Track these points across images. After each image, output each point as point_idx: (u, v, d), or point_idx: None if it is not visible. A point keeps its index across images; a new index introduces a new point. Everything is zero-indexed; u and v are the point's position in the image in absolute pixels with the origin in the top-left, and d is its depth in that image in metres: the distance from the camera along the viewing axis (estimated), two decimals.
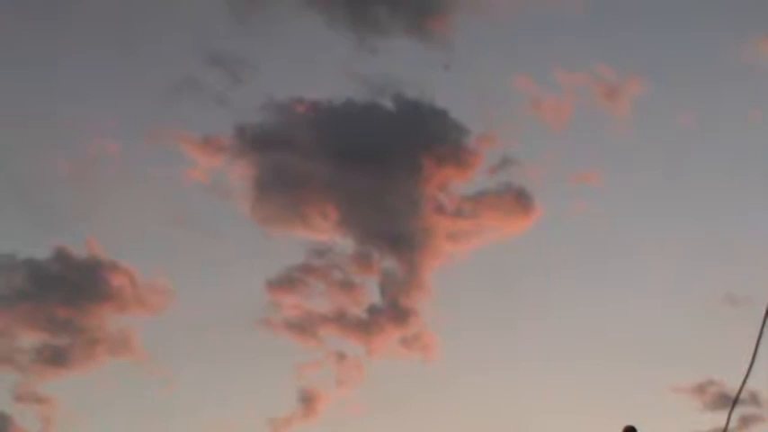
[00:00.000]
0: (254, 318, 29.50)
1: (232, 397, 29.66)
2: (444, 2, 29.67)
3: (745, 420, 20.00)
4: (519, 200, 29.48)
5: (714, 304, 29.26)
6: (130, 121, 33.21)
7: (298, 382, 30.40)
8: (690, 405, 27.58)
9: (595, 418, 25.98)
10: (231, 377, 30.07)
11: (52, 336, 28.81)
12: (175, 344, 30.27)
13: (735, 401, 8.36)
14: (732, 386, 19.20)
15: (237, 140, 30.17)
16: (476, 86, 31.66)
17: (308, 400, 28.89)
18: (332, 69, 34.08)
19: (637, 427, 14.03)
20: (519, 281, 30.51)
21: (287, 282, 29.44)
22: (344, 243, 30.90)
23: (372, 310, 29.28)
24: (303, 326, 29.40)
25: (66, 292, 29.16)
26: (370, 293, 29.56)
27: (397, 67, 32.16)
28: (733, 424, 8.52)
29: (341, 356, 29.12)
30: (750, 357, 7.86)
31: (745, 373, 7.88)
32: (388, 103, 29.80)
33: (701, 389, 27.28)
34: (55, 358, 28.62)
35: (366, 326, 29.45)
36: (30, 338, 28.57)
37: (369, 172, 30.59)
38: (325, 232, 30.03)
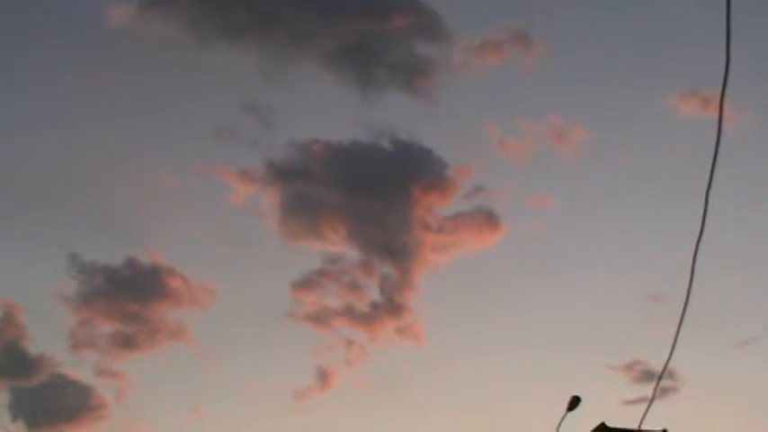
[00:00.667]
0: (281, 312, 33.84)
1: (264, 373, 33.84)
2: (429, 65, 33.70)
3: (664, 390, 21.90)
4: (489, 220, 33.68)
5: (640, 301, 34.23)
6: (184, 159, 38.27)
7: (315, 362, 35.19)
8: (621, 379, 31.79)
9: (549, 389, 30.02)
10: (263, 358, 34.39)
11: (124, 325, 32.99)
12: (219, 332, 34.62)
13: (660, 377, 9.57)
14: (653, 365, 20.48)
15: (268, 173, 34.45)
16: (454, 131, 36.65)
17: (323, 377, 33.18)
18: (342, 117, 39.46)
19: (581, 395, 17.30)
20: (489, 284, 34.98)
21: (307, 284, 33.55)
22: (352, 253, 35.19)
23: (374, 306, 33.21)
24: (319, 318, 33.46)
25: (135, 292, 32.99)
26: (372, 293, 33.53)
27: (393, 115, 37.52)
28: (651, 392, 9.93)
29: (349, 342, 33.14)
30: (671, 343, 8.91)
31: (666, 356, 8.97)
32: (385, 144, 33.92)
33: (629, 367, 31.36)
34: (126, 343, 32.71)
35: (369, 318, 33.35)
36: (107, 327, 32.71)
37: (370, 197, 34.41)
38: (336, 244, 34.06)
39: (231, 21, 34.50)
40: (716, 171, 7.50)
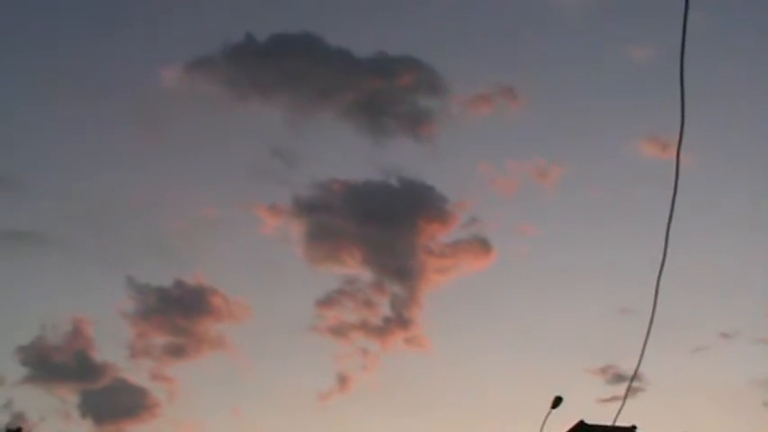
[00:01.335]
0: (306, 325, 34.61)
1: (292, 378, 34.19)
2: (430, 115, 34.99)
3: (633, 390, 21.81)
4: (482, 246, 34.36)
5: (611, 314, 35.49)
6: (223, 195, 40.38)
7: (335, 368, 35.96)
8: (596, 381, 33.29)
9: (535, 390, 30.89)
10: (291, 365, 34.51)
11: (174, 337, 33.68)
12: (254, 343, 36.69)
13: (632, 378, 9.17)
14: (624, 368, 22.56)
15: (294, 207, 35.40)
16: (452, 170, 38.56)
17: (342, 381, 33.59)
18: (356, 160, 40.14)
19: (562, 395, 17.53)
20: (484, 300, 36.00)
21: (328, 301, 34.07)
22: (366, 275, 37.17)
23: (385, 320, 33.72)
24: (339, 331, 34.06)
25: (182, 309, 33.57)
26: (384, 309, 34.13)
27: (400, 158, 39.37)
28: (623, 392, 9.54)
29: (364, 351, 33.59)
30: (639, 349, 8.58)
31: (635, 361, 8.55)
32: (394, 182, 34.66)
33: (603, 370, 32.09)
34: (176, 352, 33.40)
35: (381, 330, 33.79)
36: (159, 339, 33.61)
37: (381, 227, 34.88)
38: (352, 268, 34.69)
39: (262, 79, 35.51)
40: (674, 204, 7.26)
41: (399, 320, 33.40)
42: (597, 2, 37.26)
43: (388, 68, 35.01)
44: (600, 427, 20.80)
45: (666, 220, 7.42)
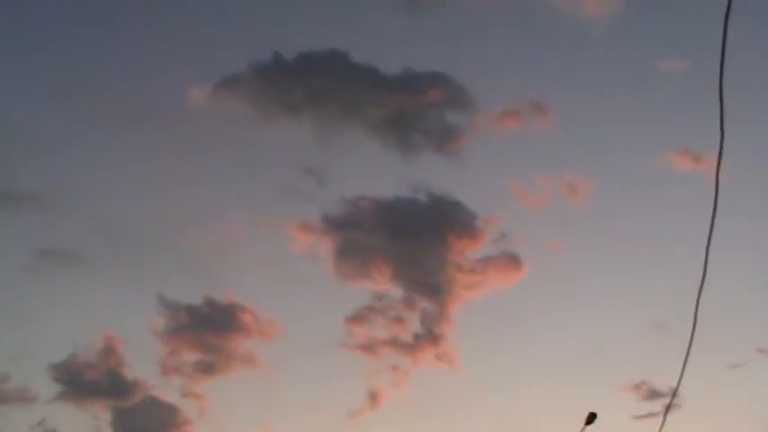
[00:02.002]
0: (336, 342, 34.28)
1: (322, 395, 34.01)
2: (458, 131, 34.53)
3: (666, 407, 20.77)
4: (512, 262, 33.99)
5: (644, 330, 33.73)
6: (253, 213, 38.16)
7: (366, 384, 34.57)
8: (630, 398, 31.60)
9: (570, 406, 28.99)
10: (321, 381, 34.40)
11: (204, 354, 33.60)
12: (284, 360, 34.77)
13: (674, 395, 9.13)
14: (658, 385, 20.89)
15: (323, 224, 34.99)
16: (481, 186, 36.81)
17: (373, 397, 33.18)
18: (385, 176, 38.49)
19: (597, 411, 15.12)
20: (514, 316, 34.80)
21: (358, 317, 33.80)
22: (396, 291, 35.16)
23: (416, 336, 33.41)
24: (369, 347, 33.67)
25: (213, 326, 33.70)
26: (414, 325, 33.59)
27: (429, 174, 37.09)
28: (658, 409, 10.41)
29: (395, 367, 33.23)
30: (672, 365, 8.76)
31: (667, 377, 9.79)
32: (422, 198, 34.33)
33: (637, 387, 31.16)
34: (206, 369, 33.28)
35: (411, 347, 33.44)
36: (190, 356, 33.40)
37: (411, 243, 34.55)
38: (382, 284, 34.31)
39: (290, 97, 35.34)
40: (714, 224, 7.29)
41: (429, 336, 33.12)
42: (627, 14, 35.48)
43: (416, 84, 35.00)
44: None
45: (703, 235, 7.37)
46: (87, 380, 32.19)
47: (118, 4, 38.82)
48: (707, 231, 7.47)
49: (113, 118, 37.86)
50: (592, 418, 16.05)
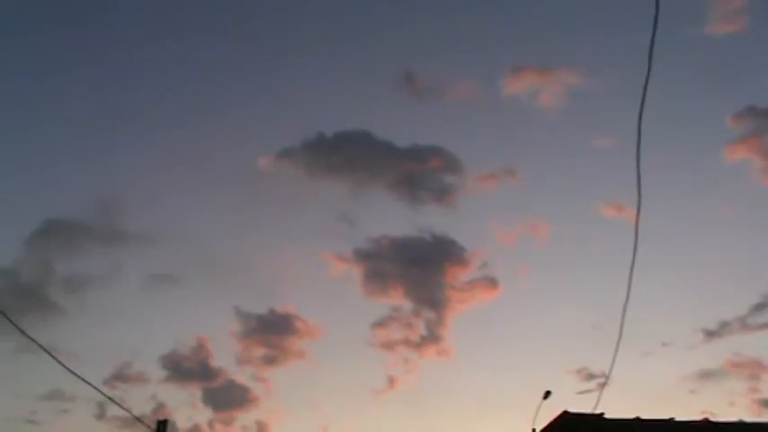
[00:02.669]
0: (364, 342, 40.41)
1: (353, 380, 40.78)
2: (453, 188, 40.48)
3: (600, 385, 19.67)
4: (491, 283, 39.64)
5: (586, 329, 38.66)
6: (304, 247, 45.60)
7: (386, 372, 40.93)
8: (574, 379, 36.01)
9: (532, 386, 32.85)
10: (353, 371, 40.92)
11: (268, 350, 39.37)
12: (326, 355, 41.01)
13: (608, 377, 10.65)
14: (594, 369, 29.65)
15: (355, 256, 41.02)
16: (470, 228, 44.00)
17: (391, 381, 39.04)
18: (399, 221, 46.32)
19: (551, 389, 19.59)
20: (494, 322, 41.05)
21: (381, 323, 39.78)
22: (407, 305, 41.47)
23: (422, 338, 39.11)
24: (388, 345, 39.53)
25: (274, 330, 39.16)
26: (421, 329, 39.29)
27: (431, 219, 44.48)
28: (594, 387, 15.14)
29: (407, 360, 39.25)
30: (606, 355, 10.45)
31: (602, 364, 12.64)
32: (427, 237, 39.91)
33: (579, 371, 36.53)
34: (270, 361, 39.21)
35: (419, 345, 38.97)
36: (258, 351, 39.46)
37: (419, 270, 39.59)
38: (398, 299, 40.78)
39: (330, 162, 42.15)
40: (635, 254, 8.14)
41: (432, 338, 38.36)
42: (570, 104, 41.73)
43: (421, 155, 41.30)
44: (579, 414, 21.22)
45: (628, 262, 8.58)
46: (185, 367, 37.83)
47: (213, 102, 47.12)
48: (630, 259, 8.51)
49: (206, 177, 45.64)
50: (547, 394, 19.06)
